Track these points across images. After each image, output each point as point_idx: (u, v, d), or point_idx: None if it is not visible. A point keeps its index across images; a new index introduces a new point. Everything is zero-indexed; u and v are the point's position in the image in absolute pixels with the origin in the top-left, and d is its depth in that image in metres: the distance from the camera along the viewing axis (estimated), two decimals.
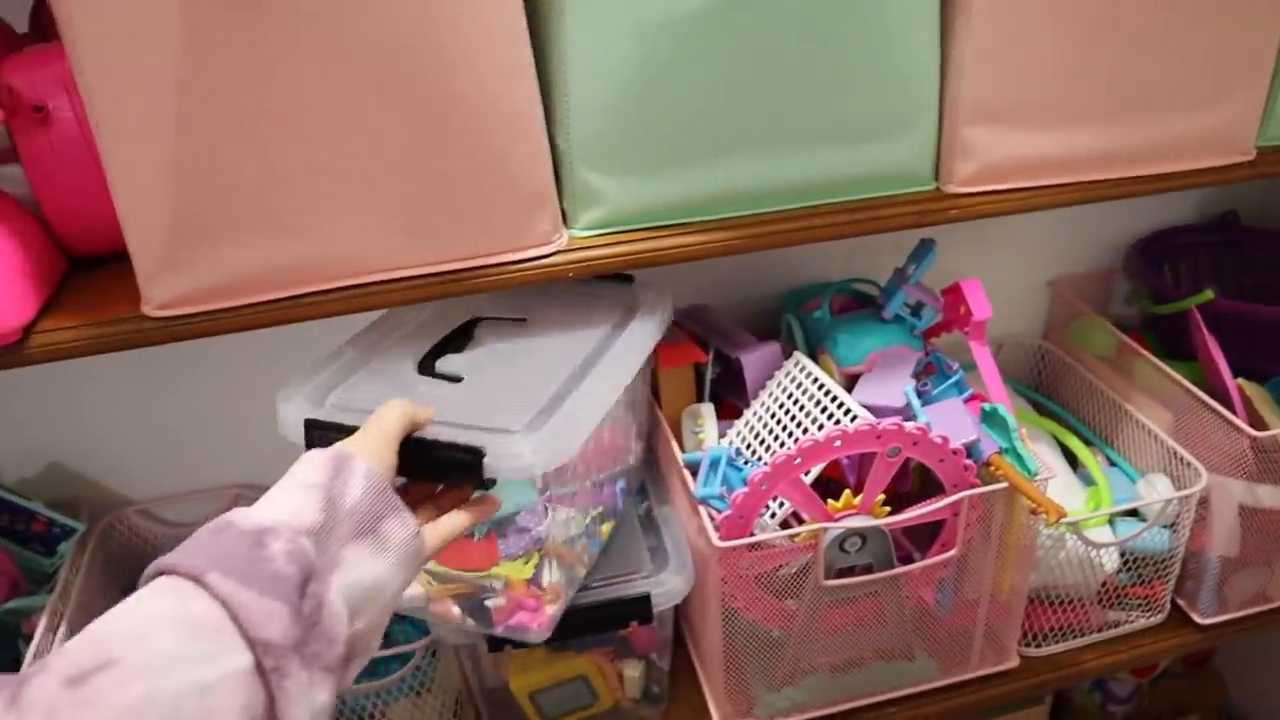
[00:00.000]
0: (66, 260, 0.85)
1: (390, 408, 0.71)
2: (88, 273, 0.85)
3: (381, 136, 0.73)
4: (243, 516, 0.58)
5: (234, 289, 0.76)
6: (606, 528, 0.97)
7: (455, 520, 0.72)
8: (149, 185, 0.71)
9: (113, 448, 1.16)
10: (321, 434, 0.80)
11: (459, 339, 0.92)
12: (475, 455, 0.74)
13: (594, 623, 0.92)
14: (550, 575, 0.88)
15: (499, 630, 0.88)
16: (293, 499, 0.60)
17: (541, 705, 0.99)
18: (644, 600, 0.91)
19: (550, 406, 0.81)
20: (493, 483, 0.76)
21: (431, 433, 0.75)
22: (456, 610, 0.88)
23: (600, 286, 1.00)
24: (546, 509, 0.86)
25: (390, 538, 0.63)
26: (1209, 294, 1.16)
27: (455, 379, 0.86)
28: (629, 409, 0.98)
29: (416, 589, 0.88)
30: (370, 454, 0.66)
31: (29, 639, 1.03)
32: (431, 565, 0.87)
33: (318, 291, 0.77)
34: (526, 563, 0.87)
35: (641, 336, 0.93)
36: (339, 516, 0.61)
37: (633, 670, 1.00)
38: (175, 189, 0.71)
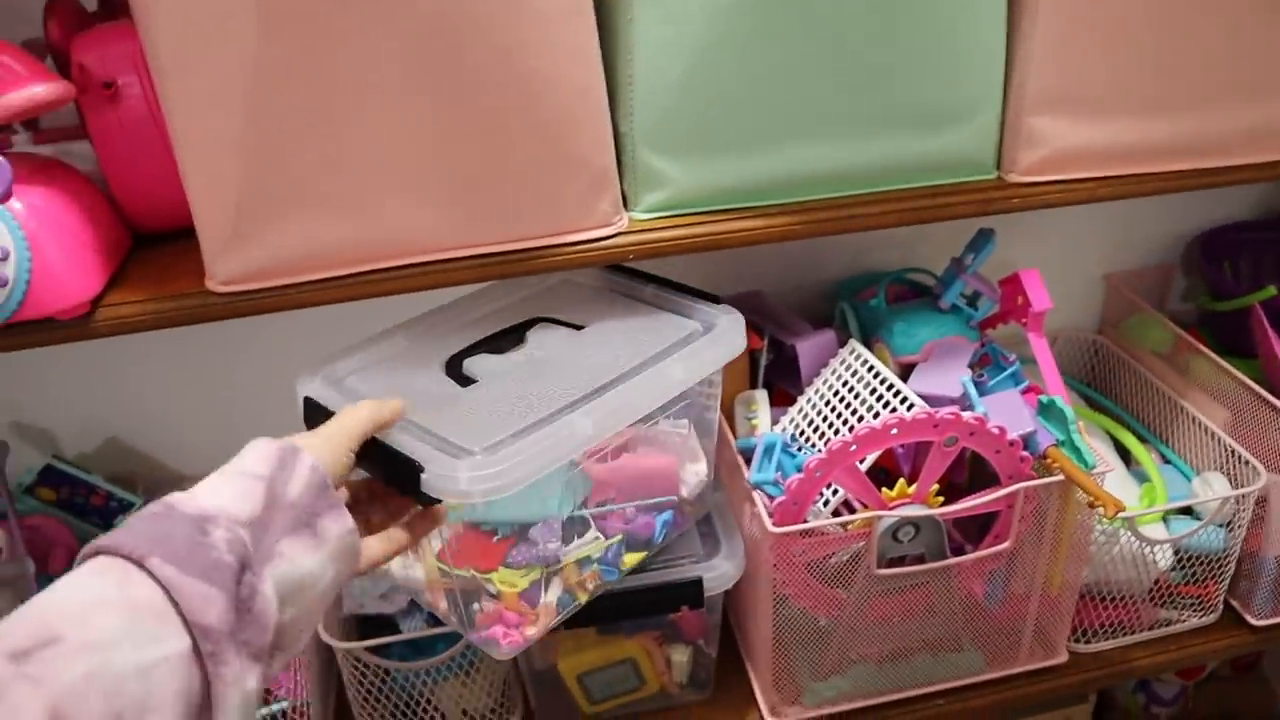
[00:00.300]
0: (132, 236, 0.86)
1: (359, 407, 0.72)
2: (152, 249, 0.86)
3: (447, 116, 0.73)
4: (186, 500, 0.58)
5: (297, 266, 0.76)
6: (632, 559, 0.91)
7: (397, 535, 0.73)
8: (217, 162, 0.72)
9: (168, 424, 1.17)
10: (315, 415, 0.81)
11: (509, 339, 0.90)
12: (413, 470, 0.72)
13: (645, 606, 0.92)
14: (546, 595, 0.87)
15: (472, 636, 0.87)
16: (235, 487, 0.60)
17: (589, 687, 1.00)
18: (696, 585, 0.91)
19: (527, 431, 0.76)
20: (436, 500, 0.73)
21: (392, 436, 0.74)
22: (444, 605, 0.88)
23: (684, 301, 0.92)
24: (561, 527, 0.85)
25: (326, 533, 0.64)
26: (1272, 290, 1.15)
27: (469, 382, 0.84)
28: (687, 438, 0.92)
29: (419, 573, 0.87)
30: (322, 450, 0.67)
31: None
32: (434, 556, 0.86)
33: (379, 269, 0.78)
34: (524, 576, 0.85)
35: (681, 368, 0.84)
36: (278, 509, 0.61)
37: (680, 655, 1.00)
38: (243, 166, 0.72)
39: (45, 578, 1.03)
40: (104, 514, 1.12)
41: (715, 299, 0.91)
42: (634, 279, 0.96)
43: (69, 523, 1.09)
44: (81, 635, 0.49)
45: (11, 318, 0.73)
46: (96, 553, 0.55)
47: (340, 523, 0.65)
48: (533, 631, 0.86)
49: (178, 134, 0.72)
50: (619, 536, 0.90)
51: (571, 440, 0.77)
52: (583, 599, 0.89)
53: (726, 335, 0.88)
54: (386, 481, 0.76)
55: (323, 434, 0.69)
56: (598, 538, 0.88)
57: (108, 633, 0.50)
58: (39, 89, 0.72)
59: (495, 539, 0.85)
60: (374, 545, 0.71)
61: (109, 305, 0.78)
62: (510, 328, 0.91)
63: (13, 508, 1.02)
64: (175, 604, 0.53)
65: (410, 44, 0.70)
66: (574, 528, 0.87)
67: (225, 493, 0.60)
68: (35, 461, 1.11)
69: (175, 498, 0.58)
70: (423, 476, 0.72)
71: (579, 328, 0.90)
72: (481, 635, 0.86)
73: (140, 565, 0.53)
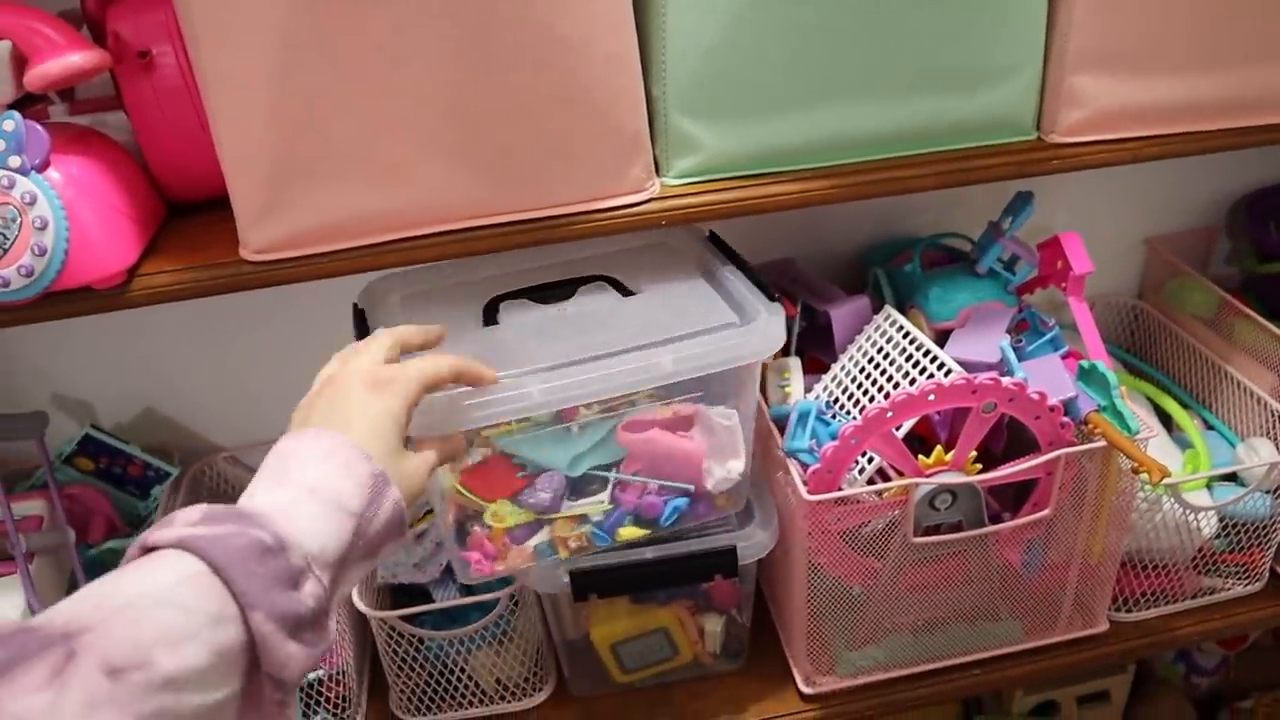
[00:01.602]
0: (166, 206, 0.86)
1: (437, 364, 0.70)
2: (186, 218, 0.87)
3: (478, 82, 0.72)
4: (292, 539, 0.56)
5: (330, 234, 0.76)
6: (629, 532, 0.89)
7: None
8: (251, 130, 0.72)
9: (203, 394, 1.18)
10: (359, 326, 0.86)
11: (559, 291, 0.89)
12: None
13: (679, 574, 0.92)
14: (528, 540, 0.87)
15: (456, 553, 0.88)
16: (331, 525, 0.59)
17: (622, 657, 1.00)
18: (730, 553, 0.91)
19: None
20: None
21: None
22: (451, 517, 0.87)
23: (738, 286, 0.87)
24: (564, 483, 0.86)
25: (384, 552, 0.64)
26: None
27: (494, 324, 0.86)
28: (720, 428, 0.88)
29: (445, 481, 0.85)
30: (406, 476, 0.65)
31: None
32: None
33: (411, 237, 0.78)
34: (513, 515, 0.86)
35: (670, 359, 0.79)
36: (359, 543, 0.61)
37: (713, 625, 1.00)
38: (276, 134, 0.72)
39: (84, 547, 1.05)
40: (141, 483, 1.13)
41: (772, 296, 0.84)
42: (719, 254, 0.93)
43: (107, 492, 1.10)
44: (170, 667, 0.49)
45: (49, 287, 0.73)
46: (211, 566, 0.53)
47: (400, 549, 0.66)
48: (500, 567, 0.88)
49: (212, 102, 0.72)
50: (626, 508, 0.89)
51: (519, 402, 0.76)
52: (563, 555, 0.89)
53: (749, 335, 0.82)
54: None
55: (407, 452, 0.67)
56: (602, 501, 0.87)
57: (190, 672, 0.50)
58: (76, 57, 0.72)
59: (519, 475, 0.86)
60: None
61: (144, 275, 0.78)
62: (566, 281, 0.90)
63: (52, 477, 1.03)
64: (260, 659, 0.53)
65: (442, 10, 0.70)
66: (588, 485, 0.87)
67: (322, 532, 0.58)
68: (73, 432, 1.12)
69: (285, 534, 0.56)
70: None
71: (630, 293, 0.89)
72: (461, 555, 0.87)
73: (245, 611, 0.53)
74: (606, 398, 0.82)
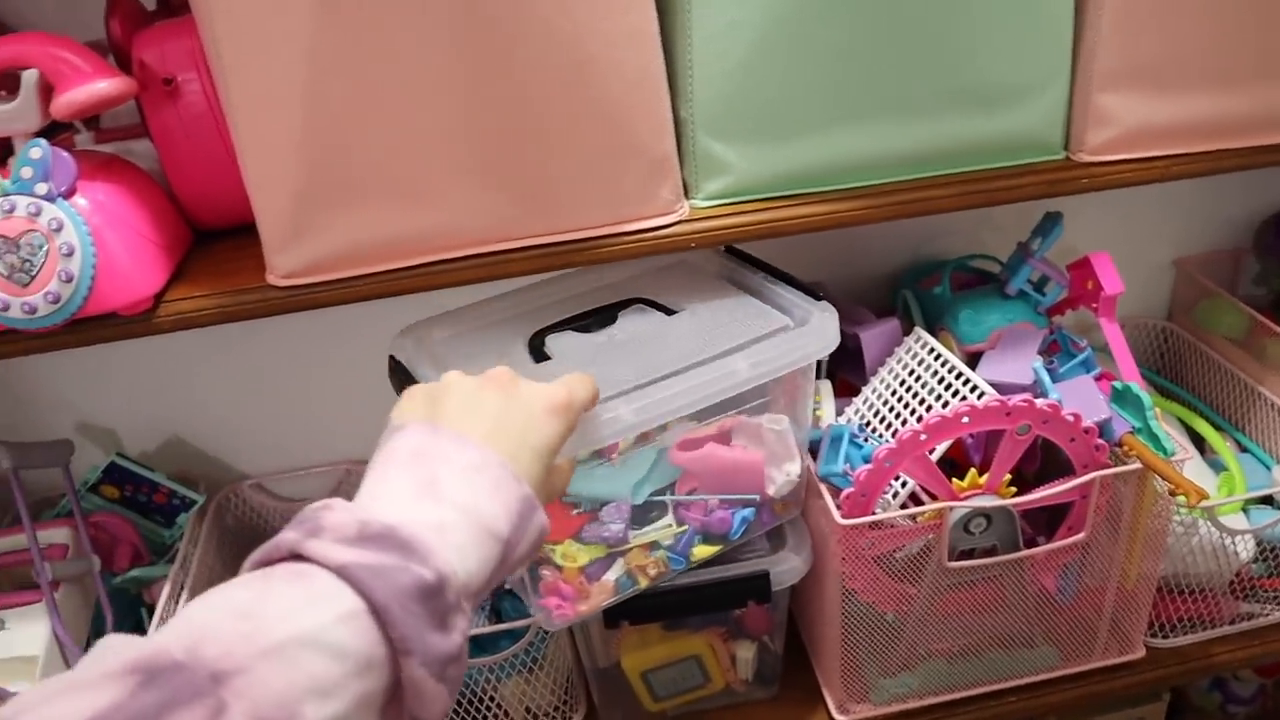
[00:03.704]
0: (192, 232, 0.86)
1: (583, 389, 0.67)
2: (212, 244, 0.86)
3: (505, 105, 0.72)
4: (448, 569, 0.52)
5: (357, 258, 0.76)
6: (703, 551, 0.90)
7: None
8: (278, 155, 0.72)
9: (228, 422, 1.18)
10: (397, 375, 0.83)
11: (600, 318, 0.88)
12: None
13: (712, 600, 0.91)
14: (606, 575, 0.86)
15: (532, 603, 0.86)
16: (481, 553, 0.55)
17: (653, 685, 0.98)
18: (763, 578, 0.90)
19: None
20: None
21: None
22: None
23: (780, 290, 0.89)
24: (629, 511, 0.85)
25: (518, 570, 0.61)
26: None
27: (544, 358, 0.84)
28: (778, 434, 0.89)
29: None
30: (541, 484, 0.62)
31: (150, 607, 1.05)
32: None
33: (439, 261, 0.77)
34: (584, 552, 0.85)
35: (747, 364, 0.80)
36: (503, 569, 0.57)
37: (745, 652, 0.99)
38: (303, 158, 0.72)
39: (109, 575, 1.04)
40: (166, 511, 1.13)
41: (816, 295, 0.86)
42: (745, 264, 0.94)
43: (133, 520, 1.10)
44: (315, 719, 0.46)
45: (76, 313, 0.73)
46: (366, 596, 0.49)
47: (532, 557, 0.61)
48: (584, 608, 0.86)
49: (237, 128, 0.72)
50: (685, 527, 0.88)
51: (612, 426, 0.75)
52: (643, 583, 0.88)
53: (809, 334, 0.83)
54: None
55: (550, 444, 0.63)
56: (670, 525, 0.86)
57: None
58: (102, 85, 0.73)
59: (574, 512, 0.85)
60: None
61: (171, 301, 0.78)
62: (605, 306, 0.90)
63: (78, 505, 1.03)
64: (411, 703, 0.50)
65: (467, 32, 0.69)
66: (648, 512, 0.86)
67: (472, 559, 0.54)
68: (98, 460, 1.12)
69: (443, 568, 0.52)
70: None
71: (672, 311, 0.89)
72: (537, 603, 0.86)
73: (402, 655, 0.49)
74: (691, 411, 0.80)
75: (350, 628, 0.48)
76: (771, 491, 0.89)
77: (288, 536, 0.51)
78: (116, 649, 0.45)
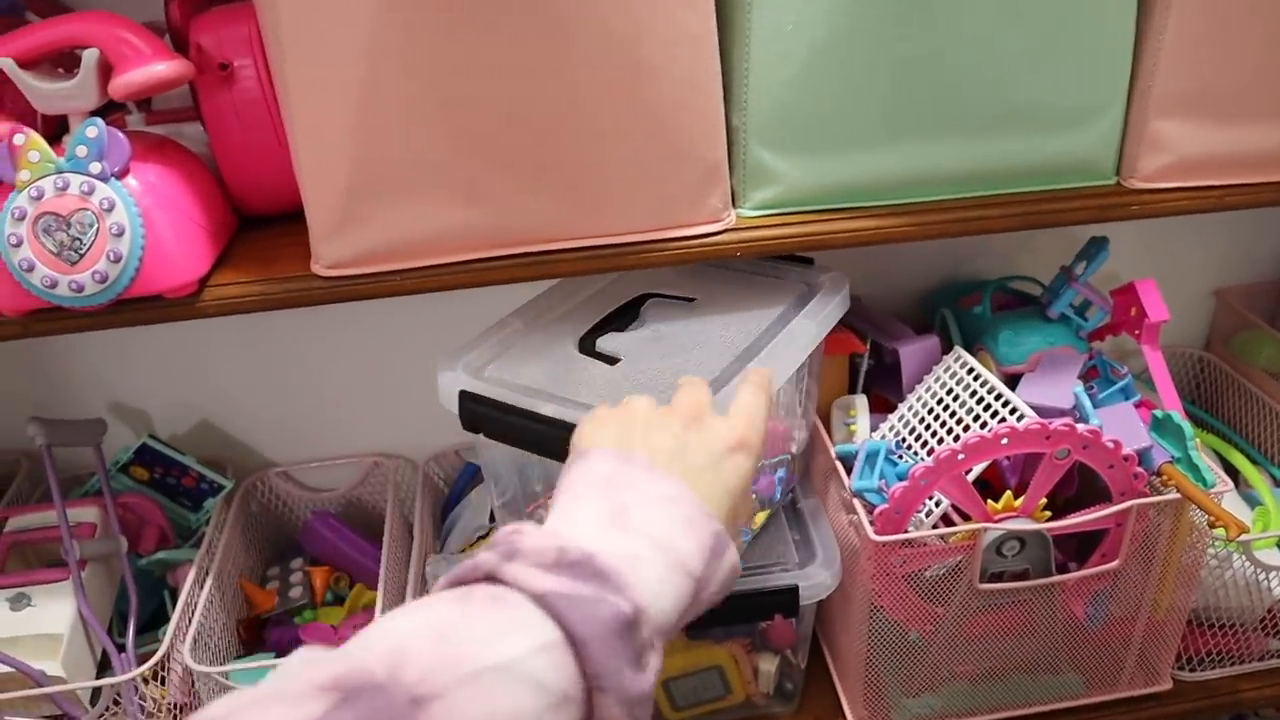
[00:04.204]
0: (238, 218, 0.87)
1: (758, 407, 0.65)
2: (257, 231, 0.86)
3: (559, 104, 0.72)
4: (648, 607, 0.51)
5: (402, 252, 0.76)
6: (760, 516, 0.95)
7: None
8: (331, 145, 0.71)
9: (259, 409, 1.19)
10: (475, 408, 0.80)
11: (624, 317, 0.90)
12: None
13: (739, 612, 0.90)
14: None
15: None
16: (674, 589, 0.53)
17: (673, 694, 0.98)
18: (792, 592, 0.89)
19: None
20: None
21: (573, 417, 0.72)
22: None
23: (776, 267, 0.97)
24: None
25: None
26: None
27: (613, 360, 0.85)
28: (796, 396, 0.95)
29: None
30: (727, 509, 0.60)
31: (174, 591, 1.05)
32: None
33: (486, 258, 0.77)
34: None
35: (813, 323, 0.88)
36: (693, 608, 0.56)
37: (768, 665, 0.98)
38: (356, 149, 0.71)
39: (135, 556, 1.05)
40: (194, 495, 1.13)
41: (808, 261, 0.94)
42: None
43: (160, 502, 1.10)
44: None
45: (123, 294, 0.73)
46: (568, 630, 0.48)
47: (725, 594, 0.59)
48: None
49: (293, 116, 0.71)
50: (755, 496, 0.90)
51: None
52: None
53: (835, 290, 0.92)
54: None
55: (742, 474, 0.62)
56: None
57: None
58: (160, 67, 0.72)
59: None
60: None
61: (215, 285, 0.78)
62: (623, 306, 0.92)
63: (108, 485, 1.03)
64: None
65: (526, 30, 0.69)
66: None
67: (664, 596, 0.53)
68: (129, 440, 1.12)
69: (640, 602, 0.50)
70: None
71: (690, 300, 0.92)
72: None
73: (596, 690, 0.48)
74: (789, 376, 0.86)
75: (549, 659, 0.47)
76: (794, 449, 0.93)
77: (485, 558, 0.51)
78: (317, 661, 0.45)
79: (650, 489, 0.56)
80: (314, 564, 1.13)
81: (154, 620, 1.05)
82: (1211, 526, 0.85)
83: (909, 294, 1.21)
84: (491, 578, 0.50)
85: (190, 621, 0.96)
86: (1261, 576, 0.97)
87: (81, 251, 0.71)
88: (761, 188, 0.80)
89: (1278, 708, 1.39)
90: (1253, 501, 1.09)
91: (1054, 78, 0.79)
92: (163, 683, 0.93)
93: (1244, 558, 0.95)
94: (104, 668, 0.97)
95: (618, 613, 0.49)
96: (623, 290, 0.95)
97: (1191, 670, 1.03)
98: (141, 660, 0.92)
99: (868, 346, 1.05)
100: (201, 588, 1.00)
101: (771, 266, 0.98)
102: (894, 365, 1.02)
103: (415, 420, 1.18)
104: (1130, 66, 0.81)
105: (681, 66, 0.73)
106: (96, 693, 0.94)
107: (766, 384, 0.68)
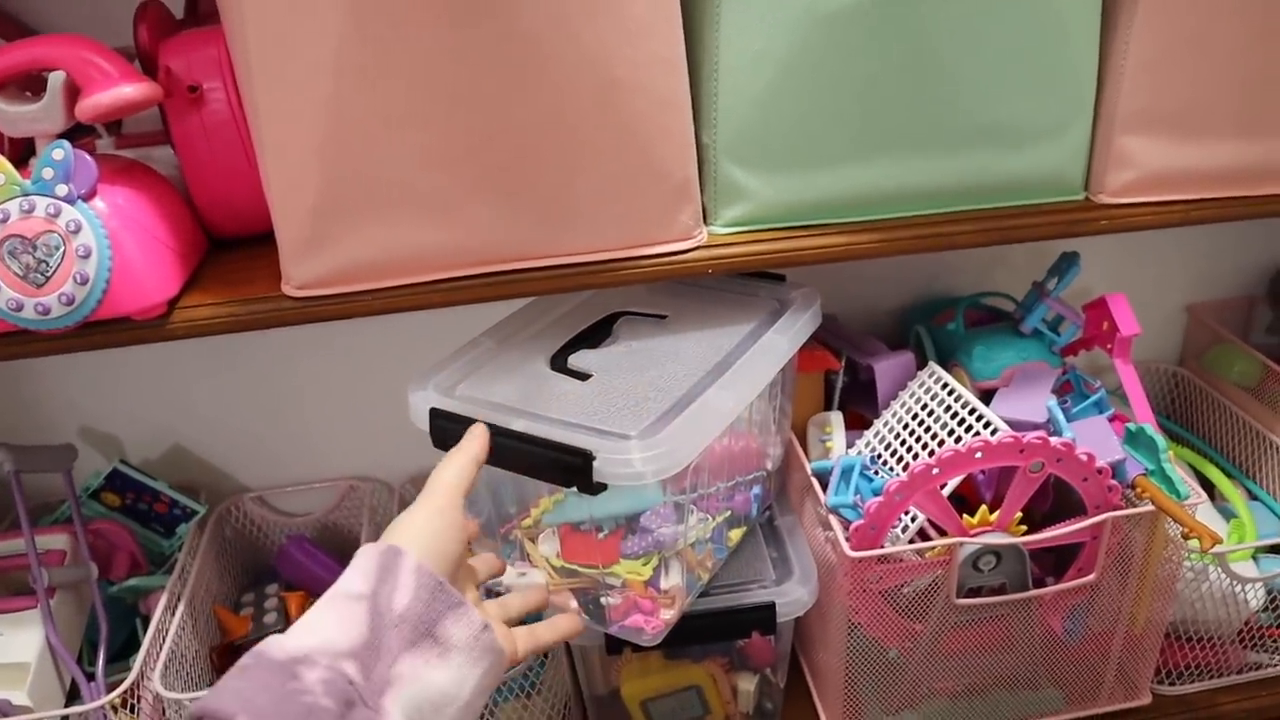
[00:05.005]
0: (208, 240, 0.86)
1: (443, 467, 0.68)
2: (227, 253, 0.86)
3: (528, 124, 0.72)
4: (276, 646, 0.54)
5: (373, 272, 0.75)
6: (736, 534, 0.95)
7: (549, 634, 0.71)
8: (300, 165, 0.71)
9: (231, 433, 1.17)
10: (446, 425, 0.80)
11: (597, 334, 0.91)
12: (584, 459, 0.73)
13: (715, 630, 0.90)
14: (669, 579, 0.85)
15: (613, 629, 0.86)
16: (335, 614, 0.56)
17: (652, 714, 0.97)
18: (768, 609, 0.89)
19: (672, 412, 0.78)
20: (602, 487, 0.74)
21: (543, 432, 0.74)
22: (574, 604, 0.87)
23: (748, 284, 0.98)
24: (672, 511, 0.84)
25: (450, 639, 0.59)
26: None
27: (584, 376, 0.85)
28: (770, 413, 0.95)
29: (540, 577, 0.86)
30: (423, 539, 0.62)
31: (145, 618, 1.04)
32: (553, 559, 0.86)
33: (457, 278, 0.77)
34: (646, 564, 0.84)
35: (784, 338, 0.89)
36: (387, 627, 0.56)
37: (747, 684, 0.97)
38: (325, 169, 0.71)
39: (106, 583, 1.03)
40: (166, 521, 1.12)
41: (780, 277, 0.95)
42: None
43: (132, 529, 1.09)
44: None
45: (90, 316, 0.72)
46: (198, 717, 0.51)
47: (466, 624, 0.60)
48: (669, 614, 0.86)
49: (261, 137, 0.71)
50: (726, 514, 0.90)
51: (717, 414, 0.79)
52: (705, 578, 0.90)
53: (807, 306, 0.93)
54: (538, 475, 0.75)
55: (418, 518, 0.64)
56: (704, 518, 0.87)
57: None
58: (128, 89, 0.72)
59: (600, 535, 0.84)
60: (523, 634, 0.68)
61: (185, 307, 0.77)
62: (596, 324, 0.92)
63: (78, 511, 1.02)
64: None
65: (496, 50, 0.69)
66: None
67: (324, 624, 0.55)
68: (100, 466, 1.11)
69: (267, 644, 0.54)
70: (594, 464, 0.72)
71: (662, 317, 0.93)
72: (622, 626, 0.86)
73: None
74: (762, 389, 0.87)
75: None
76: (769, 466, 0.93)
77: (193, 706, 0.54)
78: None
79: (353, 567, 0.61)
80: (289, 589, 1.12)
81: (126, 648, 1.04)
82: (1185, 538, 0.85)
83: (883, 311, 1.21)
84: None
85: (161, 648, 0.95)
86: (1238, 589, 0.97)
87: (48, 274, 0.71)
88: (732, 205, 0.80)
89: None
90: (1228, 514, 1.09)
91: (1020, 95, 0.79)
92: (132, 710, 0.91)
93: (1220, 570, 0.95)
94: (74, 697, 0.96)
95: (270, 663, 0.53)
96: (595, 308, 0.95)
97: (1170, 684, 1.03)
98: (112, 689, 0.90)
99: (843, 363, 1.05)
100: (173, 614, 0.99)
101: (743, 283, 0.98)
102: (869, 382, 1.02)
103: (391, 443, 1.17)
104: (1095, 84, 0.82)
105: (652, 86, 0.73)
106: None
107: (464, 456, 0.71)
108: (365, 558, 0.60)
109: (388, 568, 0.59)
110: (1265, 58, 0.81)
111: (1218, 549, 0.85)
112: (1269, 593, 1.00)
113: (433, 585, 0.60)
